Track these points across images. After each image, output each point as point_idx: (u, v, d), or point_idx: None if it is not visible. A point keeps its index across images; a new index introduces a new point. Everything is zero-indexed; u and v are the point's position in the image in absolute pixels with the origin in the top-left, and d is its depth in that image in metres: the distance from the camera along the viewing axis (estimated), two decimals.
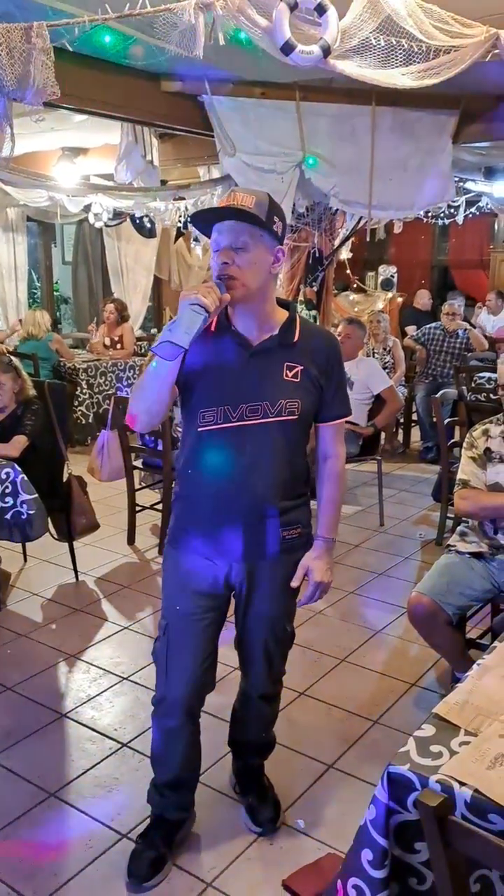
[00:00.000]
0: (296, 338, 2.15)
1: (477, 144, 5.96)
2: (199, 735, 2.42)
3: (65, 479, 4.30)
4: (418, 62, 3.34)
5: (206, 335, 2.11)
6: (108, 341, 7.99)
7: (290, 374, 2.12)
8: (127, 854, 2.36)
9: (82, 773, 2.80)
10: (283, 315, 2.17)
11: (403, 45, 3.26)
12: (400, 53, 3.32)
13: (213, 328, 2.13)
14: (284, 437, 2.14)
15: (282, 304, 2.20)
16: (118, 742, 2.98)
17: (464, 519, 3.20)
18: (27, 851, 2.43)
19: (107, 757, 2.89)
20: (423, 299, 9.51)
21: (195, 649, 2.26)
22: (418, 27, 3.18)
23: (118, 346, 7.96)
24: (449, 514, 4.90)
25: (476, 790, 1.46)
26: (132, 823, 2.53)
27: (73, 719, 3.13)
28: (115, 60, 4.56)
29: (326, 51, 3.25)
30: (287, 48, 3.22)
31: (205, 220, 2.08)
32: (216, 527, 2.16)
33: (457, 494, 3.04)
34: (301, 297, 6.96)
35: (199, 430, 2.12)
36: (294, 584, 2.27)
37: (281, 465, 2.15)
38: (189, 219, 2.04)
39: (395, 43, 3.26)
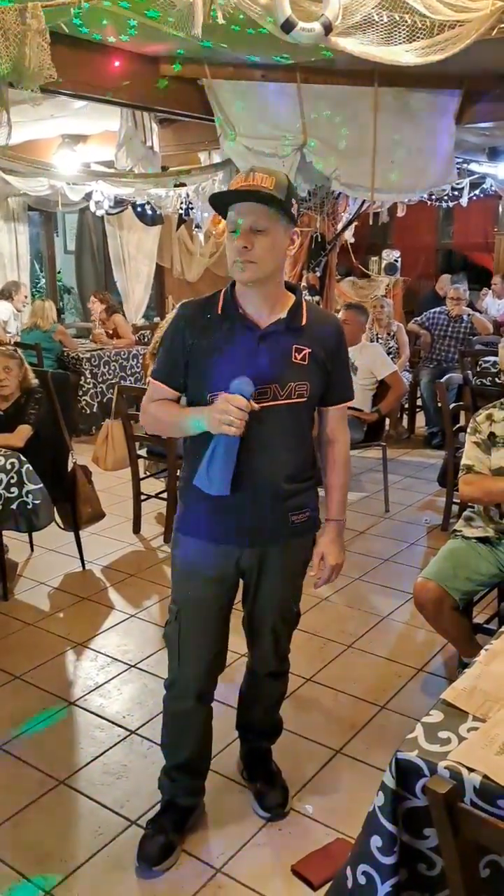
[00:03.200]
0: (304, 321, 2.14)
1: (481, 125, 5.90)
2: (210, 718, 2.43)
3: (69, 469, 4.30)
4: (422, 38, 3.29)
5: (212, 318, 2.11)
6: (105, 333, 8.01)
7: (298, 357, 2.12)
8: (136, 840, 2.37)
9: (91, 761, 2.80)
10: (289, 298, 2.17)
11: (407, 21, 3.21)
12: (403, 29, 3.26)
13: (219, 311, 2.12)
14: (293, 419, 2.14)
15: (288, 287, 2.20)
16: (126, 729, 2.98)
17: (469, 504, 3.19)
18: (37, 838, 2.44)
19: (115, 744, 2.89)
20: (445, 284, 9.39)
21: (206, 633, 2.27)
22: (422, 1, 3.12)
23: (115, 337, 7.97)
24: (455, 500, 4.89)
25: (485, 776, 1.46)
26: (141, 810, 2.54)
27: (81, 707, 3.14)
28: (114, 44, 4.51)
29: (328, 28, 3.19)
30: (288, 25, 3.17)
31: (224, 200, 2.06)
32: (225, 512, 2.16)
33: (461, 480, 3.03)
34: (304, 283, 6.92)
35: None
36: (313, 573, 2.33)
37: (289, 448, 2.16)
38: (209, 199, 2.03)
39: (398, 19, 3.21)
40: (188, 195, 6.65)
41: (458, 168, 6.33)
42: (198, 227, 8.82)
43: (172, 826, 2.39)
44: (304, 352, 2.13)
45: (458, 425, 4.99)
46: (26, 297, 8.12)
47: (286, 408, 2.11)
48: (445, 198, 7.99)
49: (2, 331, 7.53)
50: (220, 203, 2.08)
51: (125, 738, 2.94)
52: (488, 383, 5.77)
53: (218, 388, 2.08)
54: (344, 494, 2.39)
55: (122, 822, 2.50)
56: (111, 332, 7.98)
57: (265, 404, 2.08)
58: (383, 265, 10.52)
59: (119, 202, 7.24)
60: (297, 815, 2.53)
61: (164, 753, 2.45)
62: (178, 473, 4.59)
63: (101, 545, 4.77)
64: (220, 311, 2.13)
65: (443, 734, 1.59)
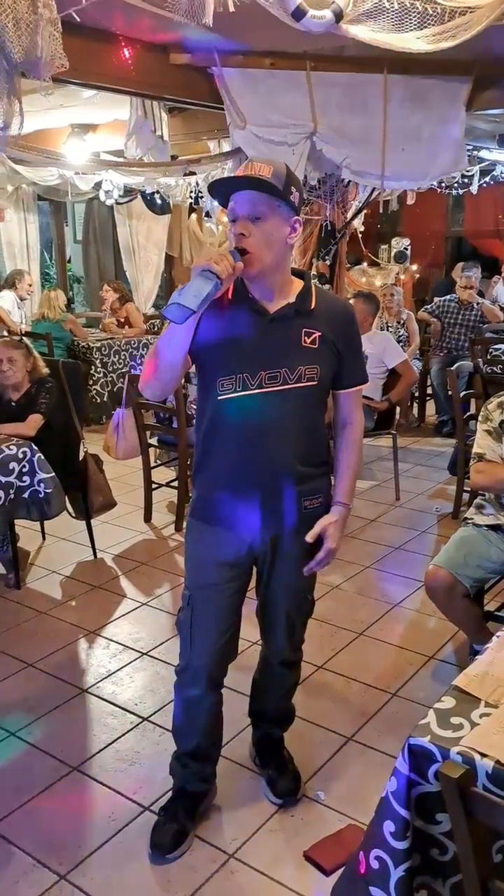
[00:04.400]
0: (312, 305, 2.14)
1: (491, 112, 5.86)
2: (221, 705, 2.44)
3: (81, 458, 4.32)
4: (433, 25, 3.27)
5: (222, 304, 2.10)
6: (115, 322, 8.02)
7: (308, 341, 2.12)
8: (149, 826, 2.39)
9: (104, 748, 2.82)
10: (298, 284, 2.17)
11: (417, 8, 3.19)
12: (414, 16, 3.24)
13: (229, 296, 2.11)
14: (304, 404, 2.14)
15: (296, 273, 2.20)
16: (139, 716, 3.00)
17: (480, 492, 3.19)
18: (51, 824, 2.46)
19: (128, 731, 2.92)
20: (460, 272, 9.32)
21: (219, 619, 2.27)
22: None
23: (126, 326, 7.98)
24: (465, 488, 4.88)
25: (497, 761, 1.46)
26: (154, 796, 2.56)
27: (93, 694, 3.16)
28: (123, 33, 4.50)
29: (339, 15, 3.18)
30: (298, 13, 3.15)
31: (222, 189, 2.07)
32: (238, 497, 2.17)
33: (472, 468, 3.03)
34: (314, 271, 6.91)
35: (219, 398, 2.11)
36: (309, 538, 2.24)
37: (301, 432, 2.16)
38: (207, 188, 2.05)
39: (408, 5, 3.19)
40: (198, 184, 6.64)
41: (468, 155, 6.29)
42: (207, 215, 8.81)
43: (184, 812, 2.41)
44: (313, 335, 2.13)
45: (468, 413, 4.98)
46: (30, 285, 8.10)
47: (296, 392, 2.11)
48: (455, 185, 7.95)
49: (10, 320, 7.54)
50: (218, 192, 2.08)
51: (138, 724, 2.96)
52: (499, 371, 5.76)
53: (228, 373, 2.09)
54: (353, 478, 2.35)
55: (135, 808, 2.52)
56: (123, 319, 8.00)
57: (275, 389, 2.08)
58: (393, 253, 10.49)
59: (128, 191, 7.23)
60: (309, 802, 2.54)
61: (176, 740, 2.46)
62: (188, 462, 4.62)
63: (112, 534, 4.79)
64: (229, 297, 2.12)
65: (455, 720, 1.60)
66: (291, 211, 2.05)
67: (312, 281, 2.24)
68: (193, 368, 2.20)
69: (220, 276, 1.88)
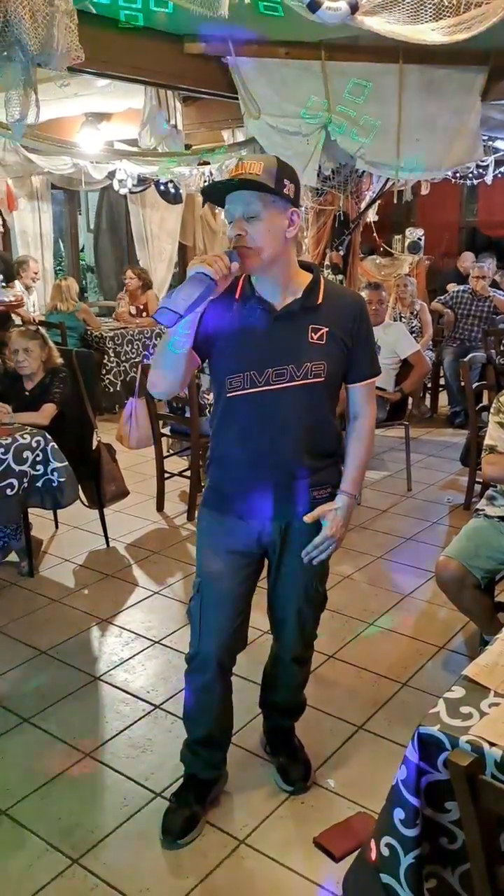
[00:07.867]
0: (320, 300, 2.14)
1: None
2: (230, 692, 2.45)
3: (94, 447, 4.34)
4: (448, 17, 3.25)
5: (230, 302, 2.12)
6: (133, 310, 8.00)
7: (315, 337, 2.12)
8: (161, 812, 2.42)
9: (116, 735, 2.85)
10: (306, 278, 2.17)
11: None
12: (429, 8, 3.23)
13: (237, 295, 2.13)
14: (311, 399, 2.15)
15: (305, 266, 2.20)
16: (151, 704, 3.03)
17: (492, 483, 3.19)
18: (64, 810, 2.49)
19: (140, 718, 2.94)
20: (466, 262, 9.28)
21: (228, 607, 2.29)
22: None
23: (143, 314, 7.97)
24: (477, 479, 4.88)
25: None
26: (166, 782, 2.58)
27: (106, 682, 3.19)
28: (137, 23, 4.50)
29: (354, 7, 3.17)
30: (314, 5, 3.15)
31: (216, 193, 2.08)
32: (248, 487, 2.20)
33: (484, 460, 3.03)
34: (327, 262, 6.90)
35: (228, 395, 2.14)
36: (307, 520, 2.23)
37: (309, 427, 2.17)
38: (202, 194, 2.07)
39: None
40: (211, 174, 6.63)
41: (483, 145, 6.26)
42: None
43: (195, 799, 2.44)
44: (320, 331, 2.13)
45: (480, 404, 4.97)
46: (36, 273, 8.05)
47: (303, 388, 2.12)
48: (470, 175, 7.91)
49: (23, 309, 7.54)
50: (211, 197, 2.10)
51: (150, 712, 2.98)
52: None
53: (236, 370, 2.11)
54: (361, 469, 2.34)
55: (147, 794, 2.55)
56: (142, 306, 7.98)
57: (282, 386, 2.10)
58: (406, 244, 10.44)
59: (142, 181, 7.23)
60: (319, 789, 2.56)
61: (186, 727, 2.48)
62: (200, 452, 4.64)
63: (124, 523, 4.82)
64: (237, 296, 2.13)
65: (464, 709, 1.61)
66: (288, 203, 2.04)
67: (323, 274, 2.24)
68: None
69: (214, 278, 1.89)
